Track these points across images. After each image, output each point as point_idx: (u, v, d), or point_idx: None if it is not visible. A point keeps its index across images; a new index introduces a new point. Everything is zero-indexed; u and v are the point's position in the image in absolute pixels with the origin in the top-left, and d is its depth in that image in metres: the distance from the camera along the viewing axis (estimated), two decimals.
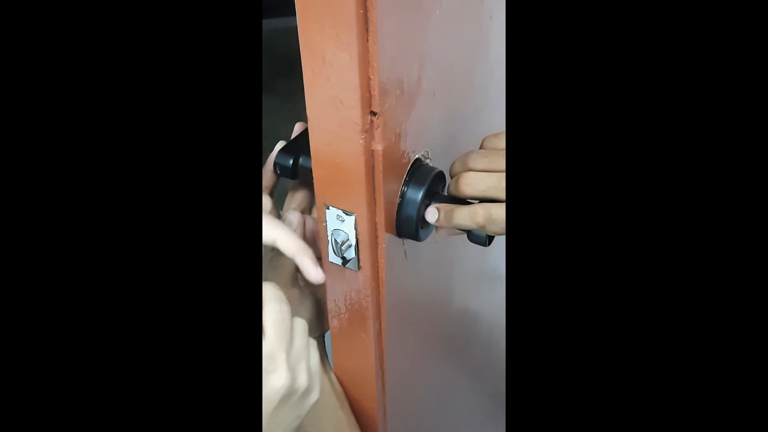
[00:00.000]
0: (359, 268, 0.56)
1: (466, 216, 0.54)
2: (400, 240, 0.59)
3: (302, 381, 0.51)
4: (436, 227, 0.58)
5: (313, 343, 0.54)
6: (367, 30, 0.44)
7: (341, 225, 0.54)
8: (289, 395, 0.50)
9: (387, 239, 0.55)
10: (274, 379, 0.49)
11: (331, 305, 0.62)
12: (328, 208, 0.54)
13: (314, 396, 0.53)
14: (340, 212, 0.53)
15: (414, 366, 0.77)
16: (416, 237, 0.57)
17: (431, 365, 0.85)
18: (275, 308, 0.50)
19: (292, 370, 0.50)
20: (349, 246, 0.55)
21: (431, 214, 0.56)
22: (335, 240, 0.55)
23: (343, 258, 0.56)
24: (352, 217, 0.53)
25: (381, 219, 0.53)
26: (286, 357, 0.49)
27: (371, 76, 0.46)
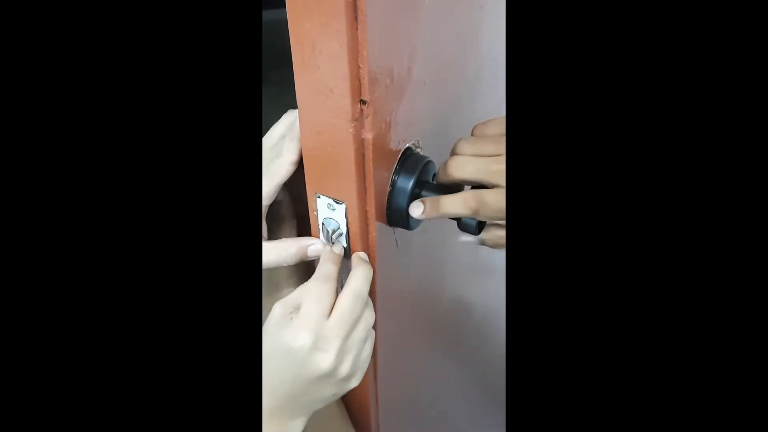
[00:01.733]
0: (350, 257, 0.57)
1: (458, 202, 0.54)
2: (391, 229, 0.59)
3: (344, 369, 0.53)
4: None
5: (372, 335, 0.56)
6: (356, 19, 0.45)
7: (332, 214, 0.54)
8: (328, 377, 0.52)
9: (378, 228, 0.56)
10: (320, 360, 0.51)
11: None
12: (319, 197, 0.54)
13: (354, 382, 0.55)
14: (331, 201, 0.53)
15: (406, 355, 0.78)
16: (407, 225, 0.57)
17: (424, 354, 0.86)
18: (350, 301, 0.53)
19: (339, 357, 0.52)
20: (340, 234, 0.55)
21: (416, 208, 0.56)
22: (326, 229, 0.56)
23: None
24: (343, 206, 0.53)
25: (371, 208, 0.54)
26: (340, 344, 0.52)
27: (361, 65, 0.46)
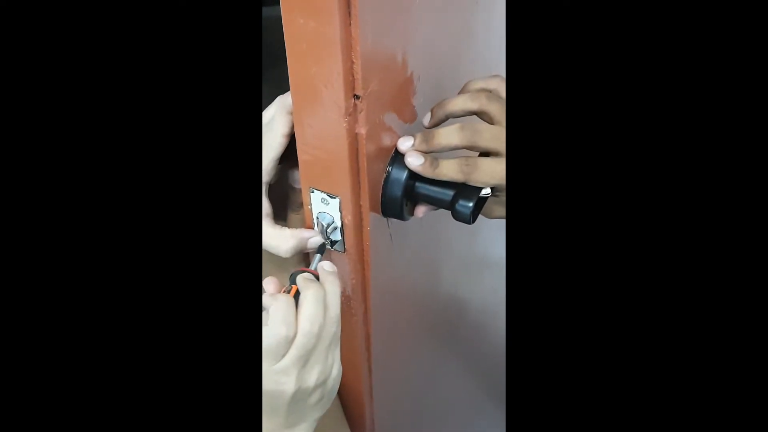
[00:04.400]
0: (345, 250, 0.57)
1: (453, 132, 0.54)
2: (386, 223, 0.59)
3: (311, 380, 0.53)
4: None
5: (338, 337, 0.55)
6: (349, 14, 0.45)
7: (326, 208, 0.55)
8: (300, 395, 0.53)
9: (372, 222, 0.56)
10: (285, 387, 0.52)
11: None
12: (313, 192, 0.54)
13: (332, 382, 0.56)
14: (325, 195, 0.54)
15: (401, 349, 0.78)
16: (400, 216, 0.58)
17: (419, 349, 0.86)
18: (312, 311, 0.52)
19: (300, 376, 0.52)
20: (335, 228, 0.56)
21: (405, 142, 0.55)
22: (321, 223, 0.56)
23: (330, 240, 0.57)
24: (337, 200, 0.53)
25: (365, 202, 0.54)
26: (299, 371, 0.52)
27: (354, 60, 0.47)
